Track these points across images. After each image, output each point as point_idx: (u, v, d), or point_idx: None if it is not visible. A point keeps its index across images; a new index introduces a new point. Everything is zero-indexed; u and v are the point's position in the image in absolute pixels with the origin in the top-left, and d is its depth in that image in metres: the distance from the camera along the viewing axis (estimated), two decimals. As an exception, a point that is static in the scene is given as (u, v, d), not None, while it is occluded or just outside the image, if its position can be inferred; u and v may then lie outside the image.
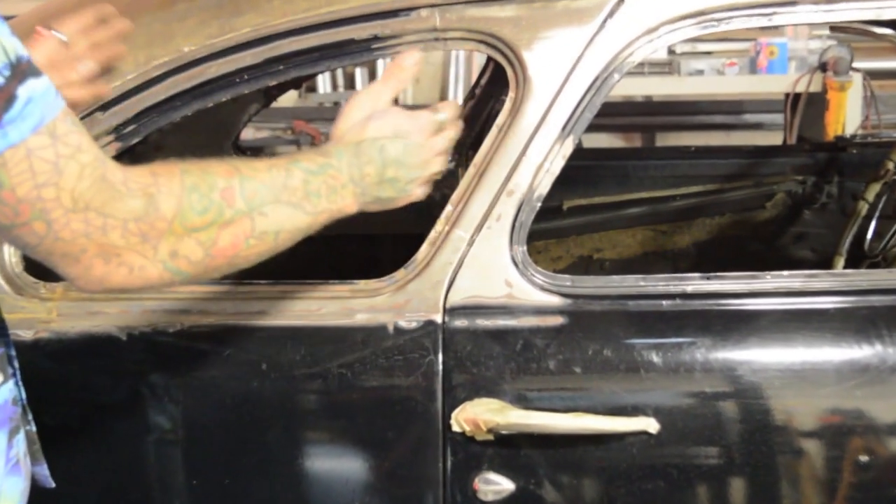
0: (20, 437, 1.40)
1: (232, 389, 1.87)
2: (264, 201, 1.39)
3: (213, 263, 1.35)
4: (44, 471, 1.53)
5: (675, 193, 3.62)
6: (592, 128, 2.47)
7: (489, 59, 2.72)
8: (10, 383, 1.41)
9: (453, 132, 1.65)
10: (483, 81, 3.50)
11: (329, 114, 7.01)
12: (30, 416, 1.47)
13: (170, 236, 1.28)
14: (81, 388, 1.85)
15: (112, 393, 1.87)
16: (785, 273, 1.91)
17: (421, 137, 1.60)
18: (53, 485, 1.55)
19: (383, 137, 1.57)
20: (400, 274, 1.89)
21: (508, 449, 1.85)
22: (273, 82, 1.96)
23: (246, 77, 1.90)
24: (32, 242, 1.21)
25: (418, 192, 1.64)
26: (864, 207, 3.05)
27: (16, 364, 1.41)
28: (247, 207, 1.37)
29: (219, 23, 1.91)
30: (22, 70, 1.15)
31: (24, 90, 1.14)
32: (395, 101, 1.66)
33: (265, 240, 1.41)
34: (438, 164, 1.63)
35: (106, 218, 1.22)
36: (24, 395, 1.43)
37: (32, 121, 1.15)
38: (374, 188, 1.58)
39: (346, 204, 1.55)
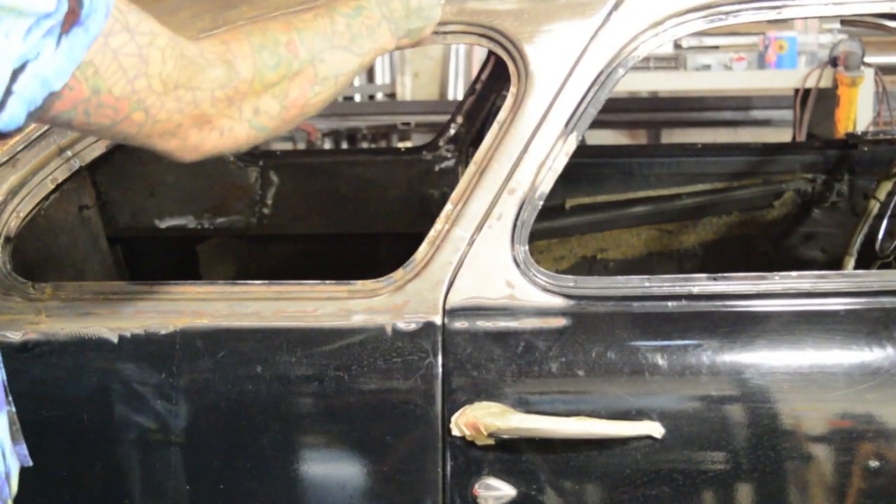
0: (3, 418, 1.42)
1: (226, 392, 1.87)
2: (322, 48, 1.53)
3: (289, 115, 1.48)
4: (23, 450, 1.56)
5: (680, 192, 3.62)
6: (596, 124, 2.47)
7: (490, 53, 2.72)
8: None
9: None
10: (484, 76, 3.50)
11: (326, 109, 6.98)
12: (10, 398, 1.49)
13: (251, 95, 1.39)
14: (71, 391, 1.85)
15: (102, 396, 1.87)
16: (794, 274, 1.91)
17: None
18: (31, 463, 1.57)
19: None
20: (398, 274, 1.90)
21: (509, 454, 1.86)
22: None
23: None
24: (133, 132, 1.30)
25: (439, 12, 1.81)
26: (875, 206, 3.05)
27: None
28: (309, 56, 1.50)
29: (211, 16, 1.91)
30: None
31: None
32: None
33: (327, 85, 1.54)
34: None
35: (194, 91, 1.32)
36: (4, 376, 1.45)
37: (101, 11, 1.20)
38: (404, 21, 1.72)
39: (385, 41, 1.68)
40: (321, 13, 1.58)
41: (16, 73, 1.15)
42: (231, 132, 1.38)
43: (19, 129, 1.21)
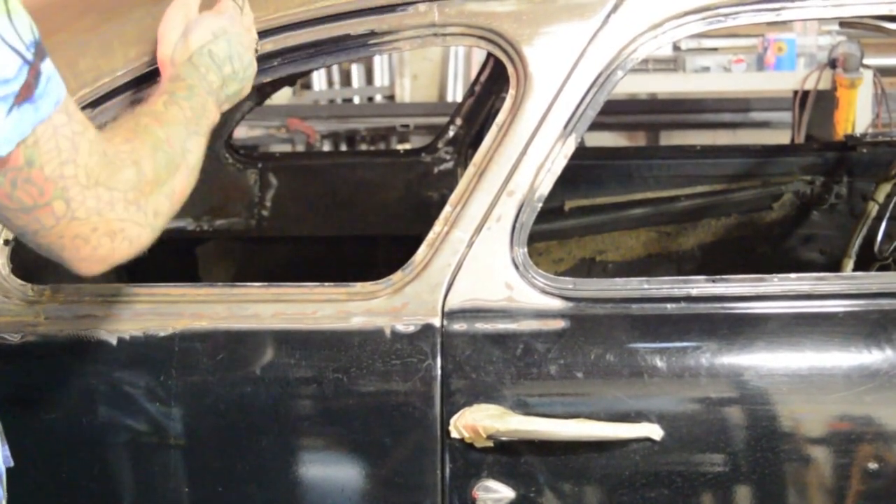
0: None
1: (225, 395, 1.87)
2: (184, 137, 1.54)
3: (173, 210, 1.47)
4: (5, 451, 1.57)
5: (679, 194, 3.62)
6: (595, 126, 2.47)
7: (489, 55, 2.73)
8: None
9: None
10: (483, 78, 3.51)
11: (324, 111, 7.02)
12: None
13: (151, 196, 1.39)
14: (70, 393, 1.85)
15: (100, 398, 1.87)
16: (792, 276, 1.91)
17: (236, 27, 1.75)
18: (12, 464, 1.58)
19: (206, 43, 1.70)
20: (397, 276, 1.90)
21: (508, 456, 1.86)
22: (267, 79, 1.97)
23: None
24: (49, 224, 1.29)
25: (252, 71, 1.80)
26: (874, 208, 3.05)
27: None
28: (181, 149, 1.51)
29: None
30: (41, 49, 1.23)
31: (45, 67, 1.23)
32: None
33: (194, 172, 1.55)
34: (255, 38, 1.81)
35: (112, 192, 1.31)
36: None
37: (53, 97, 1.23)
38: (221, 90, 1.71)
39: (213, 114, 1.68)
40: (168, 101, 1.58)
41: None
42: (138, 239, 1.38)
43: None
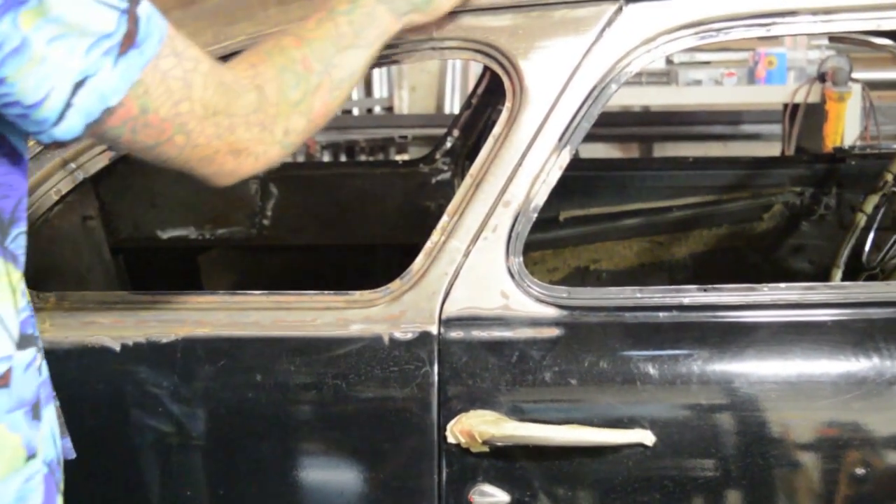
0: (52, 409, 1.45)
1: (226, 400, 1.87)
2: (332, 54, 1.56)
3: (314, 125, 1.51)
4: (67, 443, 1.59)
5: (672, 204, 3.63)
6: (589, 138, 2.48)
7: (486, 68, 2.73)
8: (44, 362, 1.45)
9: None
10: (479, 91, 3.51)
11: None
12: (55, 393, 1.52)
13: (280, 118, 1.42)
14: (74, 399, 1.85)
15: (105, 404, 1.87)
16: (782, 285, 1.92)
17: None
18: (74, 455, 1.60)
19: None
20: (395, 285, 1.90)
21: (504, 461, 1.86)
22: None
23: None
24: (173, 154, 1.33)
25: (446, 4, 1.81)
26: (862, 219, 3.05)
27: (40, 343, 1.43)
28: (323, 67, 1.53)
29: (213, 31, 1.92)
30: None
31: (141, 10, 1.25)
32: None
33: (344, 86, 1.57)
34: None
35: (231, 118, 1.35)
36: (48, 372, 1.47)
37: (156, 35, 1.25)
38: (394, 8, 1.70)
39: (388, 23, 1.68)
40: (323, 18, 1.60)
41: (76, 88, 1.21)
42: (265, 155, 1.41)
43: (76, 139, 1.26)
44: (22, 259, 1.38)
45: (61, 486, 1.45)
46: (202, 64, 1.32)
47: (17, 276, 1.35)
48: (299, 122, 1.46)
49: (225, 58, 1.88)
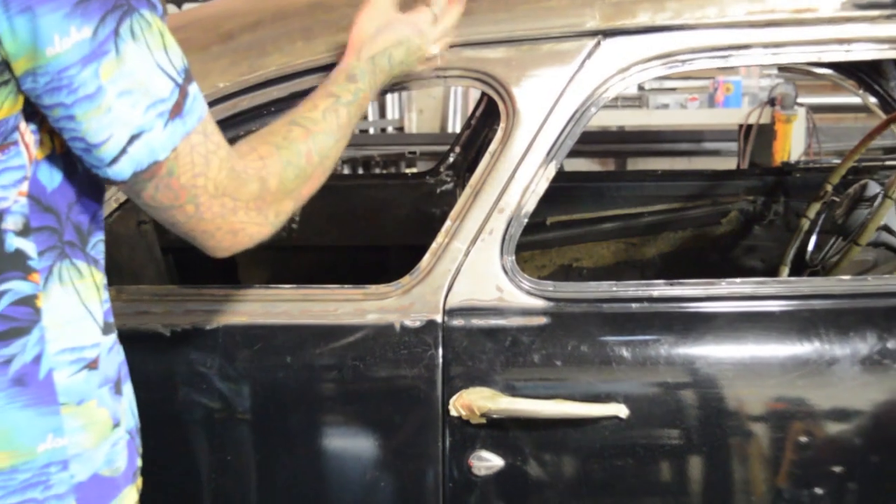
0: (130, 386, 1.46)
1: (261, 379, 1.87)
2: (330, 146, 1.53)
3: (299, 206, 1.47)
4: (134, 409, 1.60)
5: (643, 211, 3.61)
6: (572, 153, 2.47)
7: (483, 94, 2.73)
8: (120, 345, 1.46)
9: (447, 19, 1.82)
10: (478, 113, 3.51)
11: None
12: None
13: (274, 203, 1.39)
14: (131, 378, 1.85)
15: (156, 382, 1.87)
16: (737, 280, 1.92)
17: (420, 38, 1.76)
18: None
19: (390, 46, 1.72)
20: (405, 280, 1.90)
21: (499, 431, 1.86)
22: None
23: (273, 109, 1.91)
24: (182, 220, 1.31)
25: (419, 67, 1.82)
26: (806, 224, 3.05)
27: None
28: (320, 159, 1.50)
29: (248, 62, 1.91)
30: (189, 74, 1.26)
31: (191, 89, 1.26)
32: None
33: (328, 172, 1.54)
34: (434, 48, 1.81)
35: (235, 201, 1.32)
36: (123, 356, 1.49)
37: (196, 114, 1.26)
38: (385, 79, 1.74)
39: (365, 108, 1.68)
40: (329, 108, 1.56)
41: (132, 139, 1.21)
42: (258, 234, 1.39)
43: (123, 183, 1.25)
44: (102, 262, 1.39)
45: (140, 450, 1.46)
46: (222, 150, 1.30)
47: (100, 277, 1.36)
48: (289, 205, 1.43)
49: (258, 86, 1.90)
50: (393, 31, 1.73)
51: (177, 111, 1.24)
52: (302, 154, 1.46)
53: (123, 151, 1.22)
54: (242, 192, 1.33)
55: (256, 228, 1.38)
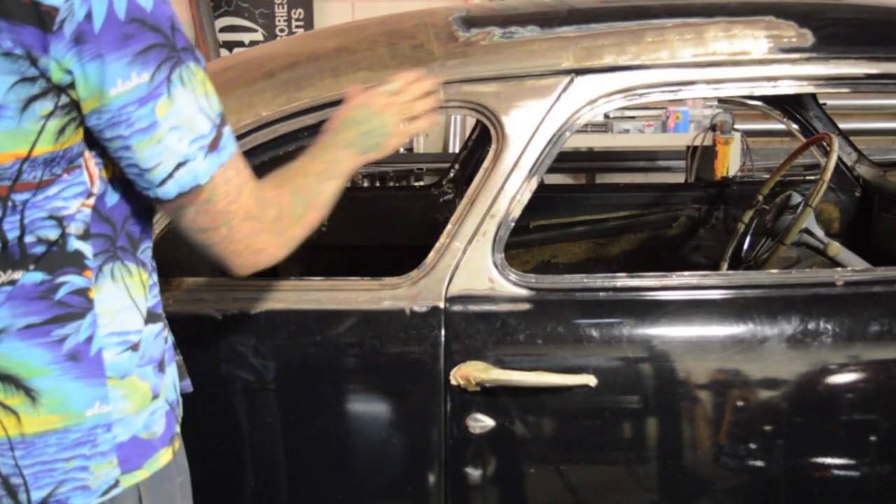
0: (174, 366, 1.46)
1: (295, 355, 1.87)
2: (317, 184, 1.48)
3: (305, 233, 1.44)
4: (187, 382, 1.61)
5: (608, 217, 3.61)
6: (551, 170, 2.47)
7: (478, 121, 2.73)
8: (170, 333, 1.46)
9: (407, 96, 1.67)
10: (474, 137, 3.50)
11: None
12: (178, 350, 1.54)
13: (288, 228, 1.38)
14: (190, 354, 1.85)
15: (210, 357, 1.87)
16: (686, 273, 1.91)
17: (378, 102, 1.62)
18: (192, 390, 1.62)
19: (350, 109, 1.61)
20: (414, 273, 1.89)
21: (491, 397, 1.85)
22: None
23: (307, 133, 1.91)
24: (216, 241, 1.31)
25: (394, 142, 1.65)
26: (741, 227, 3.05)
27: (165, 319, 1.44)
28: (314, 193, 1.46)
29: (287, 95, 1.91)
30: (223, 117, 1.27)
31: (225, 130, 1.27)
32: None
33: (327, 205, 1.50)
34: (394, 119, 1.64)
35: (261, 223, 1.32)
36: (173, 338, 1.48)
37: (229, 150, 1.27)
38: (357, 145, 1.59)
39: (348, 162, 1.57)
40: (309, 157, 1.51)
41: (178, 166, 1.22)
42: (276, 255, 1.38)
43: (169, 201, 1.26)
44: (149, 265, 1.38)
45: (180, 419, 1.45)
46: (250, 182, 1.31)
47: (146, 276, 1.36)
48: (298, 231, 1.42)
49: (294, 115, 1.89)
50: (353, 102, 1.63)
51: (214, 146, 1.25)
52: (302, 187, 1.45)
53: (171, 176, 1.23)
54: (266, 216, 1.33)
55: (274, 249, 1.37)
